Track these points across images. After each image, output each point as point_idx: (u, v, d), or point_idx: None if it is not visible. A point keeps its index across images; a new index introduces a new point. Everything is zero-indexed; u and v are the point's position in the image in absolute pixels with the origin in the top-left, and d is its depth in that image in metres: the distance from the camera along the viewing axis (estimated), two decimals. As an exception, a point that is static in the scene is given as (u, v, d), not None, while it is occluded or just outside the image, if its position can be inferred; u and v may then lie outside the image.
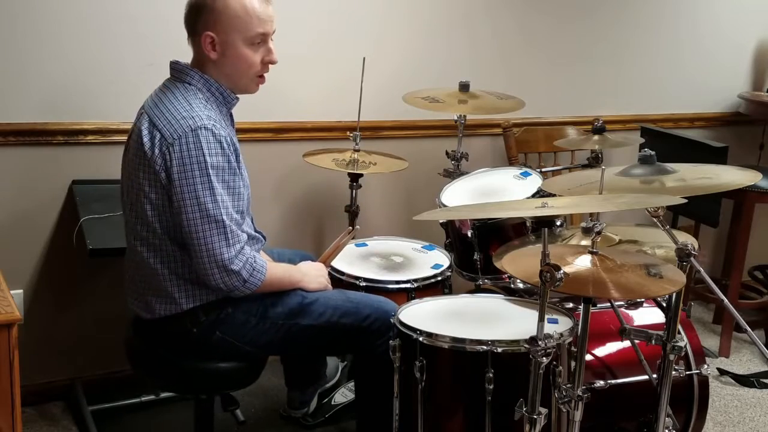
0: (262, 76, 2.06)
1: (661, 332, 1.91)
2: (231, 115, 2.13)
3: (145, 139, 1.92)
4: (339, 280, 2.41)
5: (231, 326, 2.04)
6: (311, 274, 2.17)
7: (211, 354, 2.05)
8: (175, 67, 2.03)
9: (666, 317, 1.93)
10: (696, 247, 1.86)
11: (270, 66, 2.05)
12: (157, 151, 1.90)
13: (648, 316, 2.26)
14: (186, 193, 1.88)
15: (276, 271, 2.07)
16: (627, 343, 2.13)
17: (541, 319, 1.67)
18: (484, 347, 1.84)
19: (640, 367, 2.10)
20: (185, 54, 2.05)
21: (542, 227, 1.74)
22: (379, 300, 2.18)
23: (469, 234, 2.49)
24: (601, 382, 2.00)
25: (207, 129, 1.89)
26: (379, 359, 2.07)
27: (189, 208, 1.89)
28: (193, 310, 2.01)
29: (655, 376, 2.02)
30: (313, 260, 2.47)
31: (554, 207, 1.72)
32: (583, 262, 1.77)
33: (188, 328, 2.02)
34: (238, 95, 2.08)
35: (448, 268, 2.52)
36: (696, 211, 3.29)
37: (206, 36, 1.96)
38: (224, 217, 1.89)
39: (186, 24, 2.02)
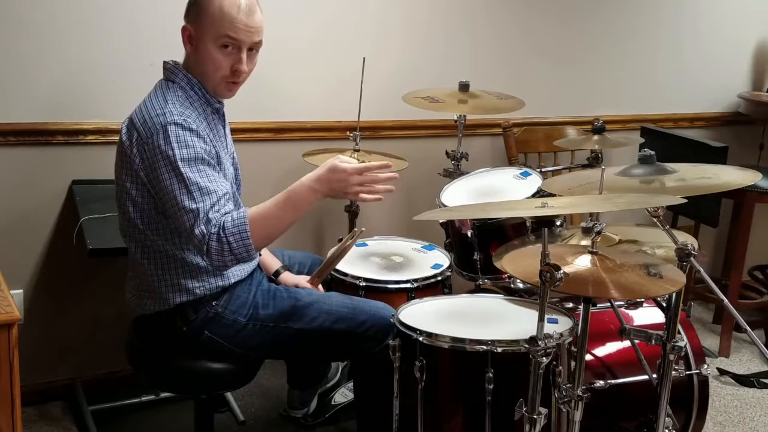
0: (230, 82, 2.00)
1: (661, 332, 1.91)
2: (223, 116, 2.12)
3: (125, 137, 1.95)
4: (340, 280, 2.41)
5: (219, 326, 2.04)
6: (333, 186, 1.91)
7: (202, 354, 2.05)
8: (165, 66, 2.04)
9: (666, 317, 1.93)
10: (696, 247, 1.86)
11: (241, 75, 1.99)
12: (135, 149, 1.92)
13: (648, 316, 2.26)
14: (163, 189, 1.89)
15: (266, 210, 1.90)
16: (627, 343, 2.13)
17: (541, 319, 1.67)
18: (484, 347, 1.84)
19: (640, 367, 2.10)
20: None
21: (542, 227, 1.74)
22: (377, 306, 2.16)
23: (469, 234, 2.49)
24: (601, 382, 2.00)
25: (176, 124, 1.89)
26: (377, 363, 2.07)
27: (167, 202, 1.90)
28: (182, 307, 2.01)
29: (655, 376, 2.02)
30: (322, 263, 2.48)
31: (554, 207, 1.72)
32: (583, 262, 1.77)
33: (179, 327, 2.02)
34: (219, 99, 2.06)
35: (448, 268, 2.52)
36: (696, 211, 3.30)
37: (185, 28, 1.99)
38: (199, 205, 1.86)
39: None
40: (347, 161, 1.93)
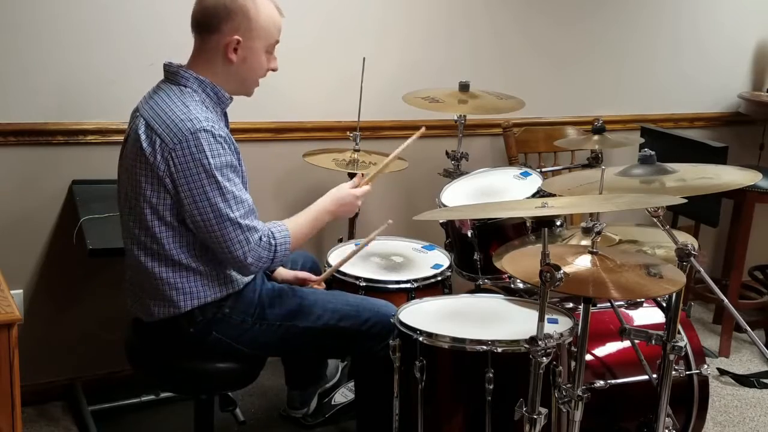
0: (260, 80, 2.09)
1: (661, 332, 1.91)
2: (225, 115, 2.12)
3: (145, 144, 1.91)
4: (340, 280, 2.41)
5: (227, 326, 2.04)
6: (340, 211, 2.19)
7: (209, 354, 2.05)
8: (169, 69, 2.01)
9: (666, 317, 1.93)
10: (696, 247, 1.86)
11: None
12: (159, 156, 1.89)
13: (648, 316, 2.26)
14: (197, 196, 1.88)
15: (301, 228, 2.10)
16: (627, 343, 2.13)
17: (541, 319, 1.67)
18: (484, 347, 1.84)
19: (640, 367, 2.10)
20: (185, 54, 2.04)
21: (542, 227, 1.74)
22: (380, 304, 2.17)
23: (469, 234, 2.49)
24: (601, 382, 2.00)
25: (206, 131, 1.88)
26: (379, 361, 2.07)
27: (202, 210, 1.89)
28: (191, 311, 2.01)
29: (655, 376, 2.02)
30: (316, 263, 2.49)
31: (554, 207, 1.72)
32: (583, 262, 1.77)
33: (185, 328, 2.02)
34: (233, 96, 2.08)
35: (448, 268, 2.52)
36: (696, 211, 3.30)
37: (233, 39, 1.96)
38: (236, 214, 1.91)
39: (204, 19, 1.97)
40: (350, 187, 2.18)
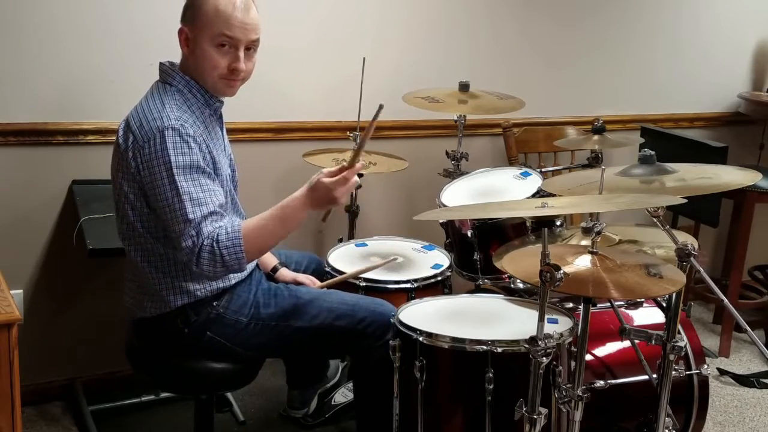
0: (229, 80, 1.99)
1: (661, 332, 1.91)
2: (221, 117, 2.12)
3: (121, 141, 1.94)
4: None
5: (221, 327, 2.04)
6: (316, 203, 1.94)
7: (204, 355, 2.05)
8: (162, 68, 2.03)
9: (666, 317, 1.93)
10: (696, 247, 1.86)
11: (240, 74, 1.98)
12: (131, 153, 1.91)
13: (648, 316, 2.26)
14: (158, 195, 1.89)
15: (264, 226, 1.92)
16: (627, 343, 2.13)
17: (541, 319, 1.67)
18: (484, 347, 1.84)
19: (640, 367, 2.10)
20: (185, 54, 2.05)
21: (542, 227, 1.74)
22: (376, 303, 2.16)
23: (469, 234, 2.49)
24: (601, 382, 2.00)
25: (174, 129, 1.88)
26: (377, 361, 2.07)
27: (161, 209, 1.89)
28: (183, 309, 2.01)
29: (655, 376, 2.02)
30: (321, 263, 2.47)
31: (554, 207, 1.72)
32: (583, 262, 1.77)
33: (180, 328, 2.02)
34: (221, 98, 2.06)
35: (448, 268, 2.52)
36: (696, 211, 3.30)
37: (181, 30, 1.98)
38: (191, 216, 1.87)
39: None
40: (328, 173, 1.94)
